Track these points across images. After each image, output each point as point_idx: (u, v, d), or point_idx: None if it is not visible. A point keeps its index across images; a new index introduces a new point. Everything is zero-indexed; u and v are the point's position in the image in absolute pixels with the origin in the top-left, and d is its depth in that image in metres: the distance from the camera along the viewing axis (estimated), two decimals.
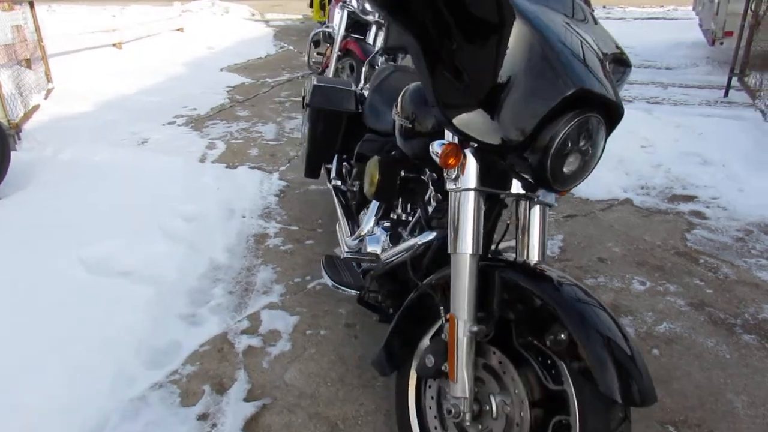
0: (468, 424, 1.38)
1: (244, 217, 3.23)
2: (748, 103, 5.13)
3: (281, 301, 2.48)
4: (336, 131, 2.68)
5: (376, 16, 4.89)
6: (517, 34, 1.24)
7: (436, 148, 1.39)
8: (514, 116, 1.26)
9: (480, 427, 1.39)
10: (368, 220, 2.17)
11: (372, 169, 1.94)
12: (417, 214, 1.92)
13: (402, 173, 1.91)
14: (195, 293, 2.52)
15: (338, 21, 4.82)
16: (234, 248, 2.90)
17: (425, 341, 1.60)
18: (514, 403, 1.35)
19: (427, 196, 1.81)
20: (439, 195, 1.76)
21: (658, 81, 6.33)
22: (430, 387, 1.57)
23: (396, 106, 1.86)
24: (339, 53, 4.77)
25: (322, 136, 2.70)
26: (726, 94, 5.54)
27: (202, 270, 2.68)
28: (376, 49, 4.88)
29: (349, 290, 1.94)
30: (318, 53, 5.56)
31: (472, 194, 1.38)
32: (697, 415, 1.88)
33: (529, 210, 1.46)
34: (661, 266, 2.72)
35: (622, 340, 1.23)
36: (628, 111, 1.39)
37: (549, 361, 1.36)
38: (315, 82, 2.63)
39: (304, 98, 2.77)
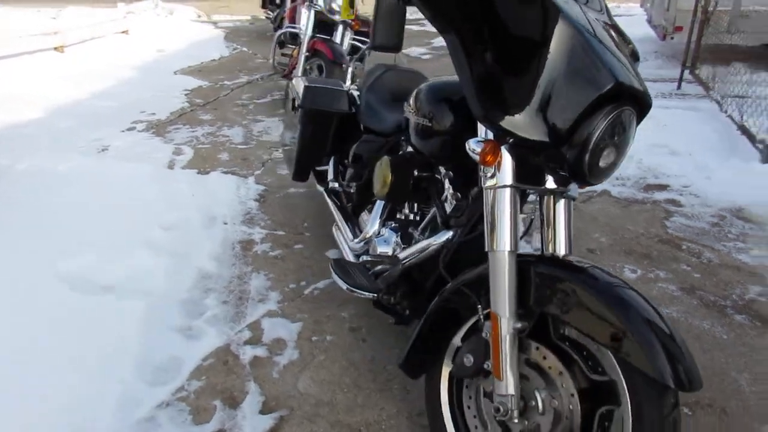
0: (516, 421, 1.37)
1: (225, 223, 3.13)
2: (701, 95, 5.35)
3: (280, 309, 2.41)
4: (328, 132, 2.62)
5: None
6: (557, 32, 1.24)
7: (473, 145, 1.37)
8: (553, 112, 1.26)
9: (526, 423, 1.38)
10: (373, 221, 2.13)
11: (383, 169, 1.90)
12: (431, 213, 1.90)
13: (415, 172, 1.89)
14: (187, 305, 2.41)
15: (305, 21, 4.75)
16: (221, 256, 2.80)
17: (456, 341, 1.58)
18: (562, 396, 1.34)
19: (444, 194, 1.79)
20: (458, 193, 1.74)
21: None
22: (467, 387, 1.55)
23: (409, 105, 1.83)
24: (307, 54, 4.70)
25: (314, 138, 2.64)
26: (679, 87, 5.75)
27: (191, 280, 2.58)
28: (345, 48, 4.84)
29: (366, 293, 1.90)
30: (283, 54, 5.47)
31: (508, 191, 1.37)
32: (707, 396, 1.94)
33: (554, 204, 1.46)
34: (648, 254, 2.79)
35: (665, 325, 1.24)
36: None
37: (585, 353, 1.36)
38: (306, 83, 2.57)
39: (293, 100, 2.70)
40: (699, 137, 4.00)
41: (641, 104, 1.33)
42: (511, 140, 1.33)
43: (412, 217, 2.04)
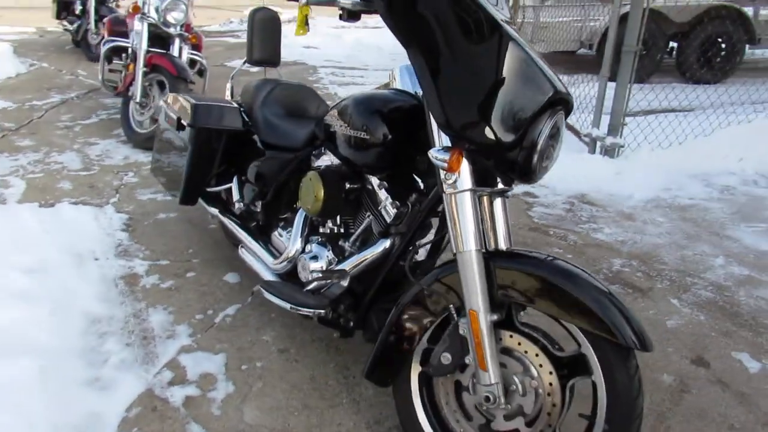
0: (502, 407, 1.47)
1: (97, 259, 2.82)
2: None
3: (195, 342, 2.26)
4: (219, 151, 2.51)
5: (179, 28, 4.63)
6: (507, 49, 1.37)
7: (436, 153, 1.45)
8: (506, 119, 1.38)
9: (509, 407, 1.49)
10: (294, 238, 2.11)
11: (314, 184, 1.90)
12: (364, 224, 1.93)
13: (346, 185, 1.91)
14: (87, 354, 2.15)
15: (138, 35, 4.43)
16: (105, 295, 2.53)
17: (422, 343, 1.65)
18: (540, 376, 1.47)
19: (382, 204, 1.83)
20: (397, 202, 1.80)
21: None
22: (442, 384, 1.62)
23: (336, 119, 1.85)
24: (145, 69, 4.40)
25: (207, 158, 2.51)
26: None
27: (80, 327, 2.30)
28: (184, 60, 4.61)
29: (312, 310, 1.87)
30: (110, 70, 5.03)
31: (468, 194, 1.47)
32: None
33: (493, 203, 1.59)
34: (525, 241, 3.11)
35: (615, 298, 1.43)
36: None
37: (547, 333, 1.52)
38: (194, 101, 2.44)
39: (178, 119, 2.53)
40: None
41: (567, 107, 1.51)
42: (468, 147, 1.44)
43: (336, 230, 2.05)
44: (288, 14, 8.39)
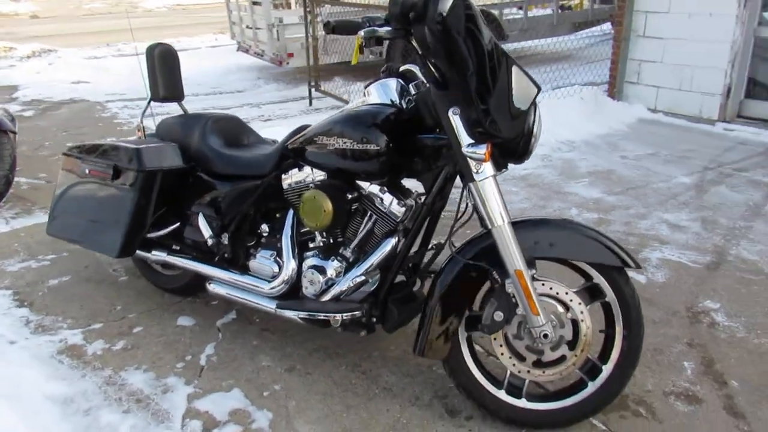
0: (550, 341, 1.83)
1: (13, 342, 2.48)
2: (334, 105, 6.45)
3: (198, 387, 2.19)
4: (156, 193, 2.42)
5: None
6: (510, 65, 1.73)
7: (471, 149, 1.73)
8: (515, 116, 1.75)
9: (554, 339, 1.85)
10: (287, 259, 2.20)
11: (321, 200, 2.03)
12: (366, 228, 2.10)
13: (348, 196, 2.08)
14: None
15: None
16: (57, 374, 2.27)
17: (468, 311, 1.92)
18: (574, 309, 1.86)
19: (387, 207, 2.03)
20: (404, 201, 2.03)
21: (247, 102, 7.10)
22: (495, 339, 1.91)
23: (327, 139, 2.00)
24: None
25: (152, 202, 2.40)
26: (310, 103, 6.72)
27: (56, 412, 2.08)
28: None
29: (353, 313, 2.01)
30: None
31: (492, 179, 1.80)
32: None
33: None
34: None
35: (604, 235, 1.89)
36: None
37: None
38: (133, 146, 2.32)
39: (114, 167, 2.36)
40: None
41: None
42: (495, 141, 1.76)
43: (333, 240, 2.19)
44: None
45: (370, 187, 2.06)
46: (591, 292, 1.90)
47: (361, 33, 1.73)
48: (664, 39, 5.38)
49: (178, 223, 2.51)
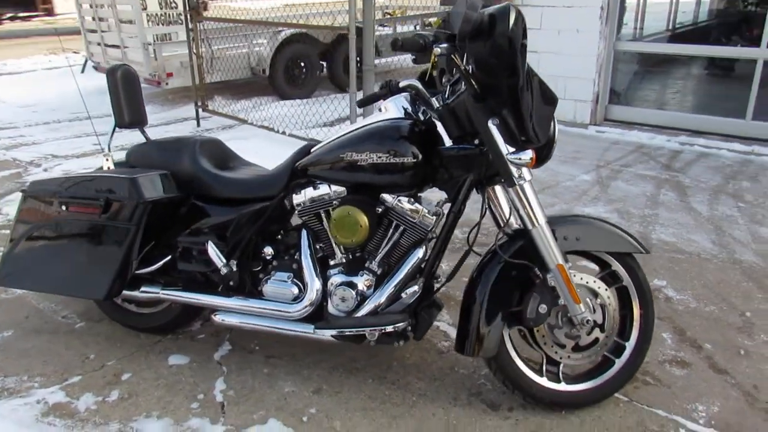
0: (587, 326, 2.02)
1: None
2: (226, 125, 6.25)
3: (229, 424, 2.07)
4: (149, 225, 2.24)
5: None
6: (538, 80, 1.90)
7: (516, 156, 1.87)
8: (546, 124, 1.92)
9: (593, 323, 2.04)
10: (311, 279, 2.18)
11: (356, 216, 2.05)
12: (393, 239, 2.13)
13: (377, 209, 2.10)
14: None
15: None
16: None
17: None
18: (602, 295, 2.07)
19: (419, 216, 2.08)
20: (434, 211, 2.10)
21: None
22: (537, 331, 2.05)
23: (359, 155, 2.02)
24: None
25: (150, 234, 2.21)
26: (198, 124, 6.43)
27: None
28: None
29: (400, 324, 2.03)
30: None
31: (530, 183, 1.96)
32: None
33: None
34: None
35: (617, 226, 2.12)
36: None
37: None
38: (127, 175, 2.13)
39: (106, 200, 2.12)
40: None
41: None
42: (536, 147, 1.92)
43: (356, 254, 2.19)
44: None
45: (398, 199, 2.10)
46: (609, 279, 2.12)
47: (438, 50, 1.78)
48: (539, 53, 5.97)
49: (169, 256, 2.33)
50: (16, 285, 2.39)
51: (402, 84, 2.24)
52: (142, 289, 2.34)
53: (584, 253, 2.11)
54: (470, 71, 1.85)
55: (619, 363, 2.12)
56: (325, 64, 8.00)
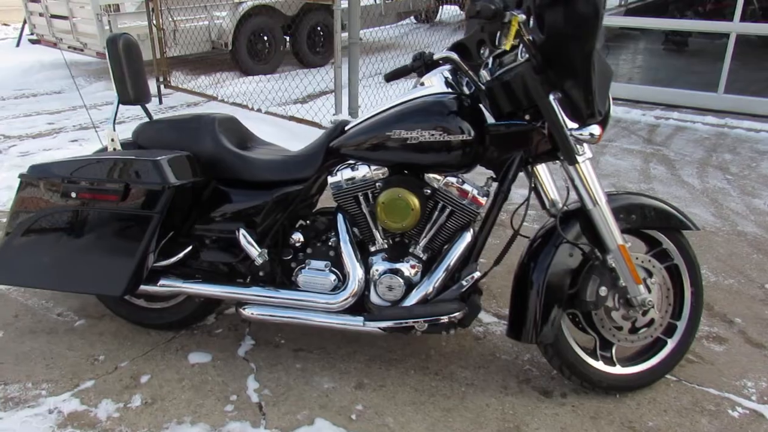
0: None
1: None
2: (190, 102, 5.92)
3: (275, 428, 1.91)
4: (184, 208, 2.04)
5: None
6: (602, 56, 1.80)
7: (583, 131, 1.77)
8: (603, 97, 1.83)
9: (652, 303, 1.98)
10: (353, 268, 2.03)
11: (405, 199, 1.92)
12: (438, 223, 2.00)
13: (425, 191, 1.96)
14: None
15: None
16: None
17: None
18: (656, 274, 2.01)
19: (469, 197, 1.95)
20: (484, 191, 1.98)
21: (78, 105, 6.11)
22: (596, 314, 1.97)
23: (409, 132, 1.87)
24: None
25: (173, 222, 1.99)
26: (161, 101, 6.05)
27: None
28: None
29: (456, 313, 1.92)
30: None
31: (589, 161, 1.87)
32: None
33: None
34: None
35: (667, 202, 2.06)
36: None
37: None
38: (152, 158, 1.89)
39: (126, 185, 1.88)
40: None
41: None
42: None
43: (389, 242, 2.06)
44: None
45: (446, 180, 1.97)
46: (662, 257, 2.06)
47: (522, 16, 1.64)
48: None
49: (190, 247, 2.12)
50: (13, 281, 2.13)
51: (438, 56, 2.10)
52: (161, 282, 2.13)
53: (632, 230, 2.04)
54: (533, 41, 1.72)
55: (671, 343, 2.08)
56: (287, 38, 7.68)
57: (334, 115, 4.62)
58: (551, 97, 1.78)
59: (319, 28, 7.87)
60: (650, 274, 2.01)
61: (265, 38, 7.28)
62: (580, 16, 1.59)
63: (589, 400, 2.03)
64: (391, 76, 2.22)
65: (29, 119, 5.65)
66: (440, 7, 11.21)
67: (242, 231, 2.03)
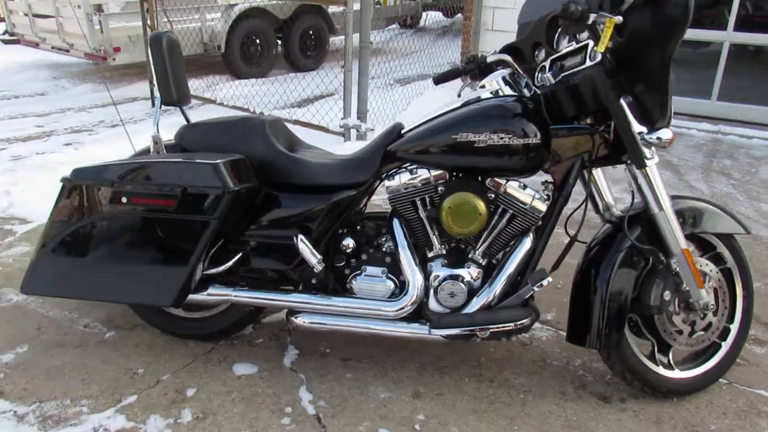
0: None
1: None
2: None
3: None
4: (237, 214, 1.97)
5: None
6: None
7: (654, 136, 1.77)
8: (670, 101, 1.82)
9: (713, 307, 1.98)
10: (413, 275, 1.98)
11: (472, 204, 1.89)
12: (496, 230, 1.97)
13: (489, 195, 1.93)
14: None
15: None
16: None
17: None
18: (712, 278, 2.01)
19: (530, 202, 1.92)
20: (545, 195, 1.95)
21: (66, 107, 5.91)
22: (658, 318, 1.96)
23: (477, 135, 1.84)
24: None
25: (228, 228, 1.92)
26: (153, 104, 5.89)
27: None
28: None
29: (526, 320, 1.89)
30: None
31: (655, 165, 1.87)
32: None
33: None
34: None
35: (723, 207, 2.07)
36: None
37: None
38: (212, 161, 1.82)
39: (184, 189, 1.79)
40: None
41: None
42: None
43: (446, 247, 2.02)
44: None
45: (507, 184, 1.94)
46: (716, 260, 2.07)
47: (619, 18, 1.61)
48: (510, 32, 5.94)
49: (240, 253, 2.04)
50: (51, 292, 2.01)
51: (492, 58, 2.08)
52: (210, 291, 2.04)
53: (686, 234, 2.04)
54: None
55: (725, 346, 2.09)
56: (279, 42, 7.59)
57: (342, 119, 4.55)
58: (622, 101, 1.77)
59: (311, 32, 7.80)
60: (707, 278, 2.01)
61: (258, 41, 7.18)
62: (669, 19, 1.58)
63: (648, 405, 2.02)
64: (441, 79, 2.20)
65: (15, 122, 5.44)
66: (424, 13, 11.23)
67: (301, 237, 1.96)
